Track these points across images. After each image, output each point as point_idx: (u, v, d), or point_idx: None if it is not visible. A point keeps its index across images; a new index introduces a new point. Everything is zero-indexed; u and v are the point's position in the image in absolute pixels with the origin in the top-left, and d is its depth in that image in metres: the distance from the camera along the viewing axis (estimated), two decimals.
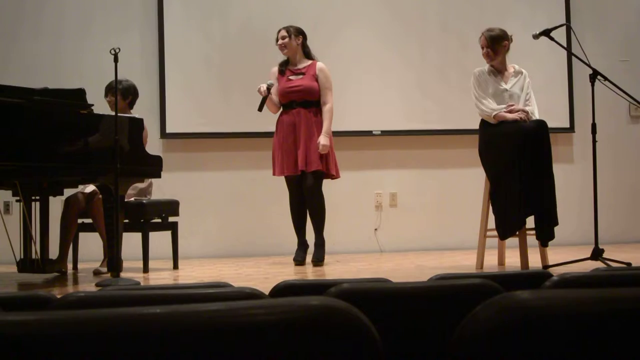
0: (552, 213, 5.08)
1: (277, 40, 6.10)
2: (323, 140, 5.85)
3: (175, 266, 5.91)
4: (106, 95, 5.83)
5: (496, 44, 5.41)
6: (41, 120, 4.79)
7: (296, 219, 6.07)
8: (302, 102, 5.95)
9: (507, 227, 5.13)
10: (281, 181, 6.42)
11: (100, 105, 5.70)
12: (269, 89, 5.94)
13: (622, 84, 5.24)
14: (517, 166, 5.03)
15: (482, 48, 5.46)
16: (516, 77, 5.48)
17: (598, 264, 4.83)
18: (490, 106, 5.32)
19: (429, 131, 7.42)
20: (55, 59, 7.07)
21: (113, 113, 5.15)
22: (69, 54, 7.10)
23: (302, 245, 6.05)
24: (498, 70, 5.47)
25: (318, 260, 5.88)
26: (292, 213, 6.07)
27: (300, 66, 6.07)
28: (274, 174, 6.05)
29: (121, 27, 7.14)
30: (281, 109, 6.08)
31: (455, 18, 7.49)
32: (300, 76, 6.02)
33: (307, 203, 5.98)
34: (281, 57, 6.15)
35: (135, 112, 5.93)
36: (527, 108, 5.33)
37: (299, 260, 5.96)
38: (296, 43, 6.08)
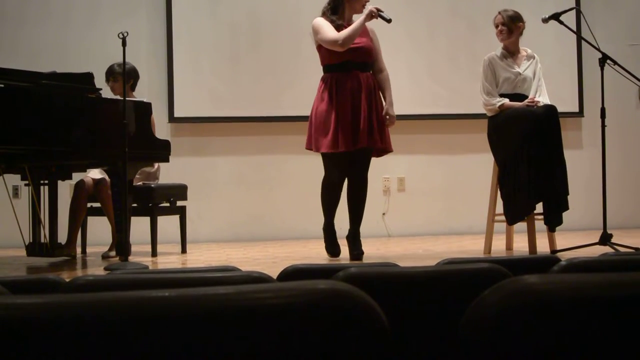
0: (563, 198, 5.07)
1: None
2: (393, 111, 5.13)
3: (184, 250, 5.93)
4: (107, 81, 5.82)
5: (512, 24, 5.40)
6: (49, 104, 4.79)
7: (333, 202, 5.15)
8: (359, 64, 5.04)
9: (516, 212, 5.12)
10: (290, 164, 6.40)
11: (108, 89, 5.71)
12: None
13: (631, 68, 5.22)
14: (527, 151, 5.02)
15: (497, 26, 5.43)
16: (529, 61, 5.45)
17: (606, 249, 4.82)
18: (493, 101, 5.30)
19: (437, 115, 7.40)
20: (62, 43, 7.06)
21: (118, 97, 5.16)
22: (76, 38, 7.10)
23: (335, 233, 5.23)
24: (511, 53, 5.44)
25: (362, 254, 5.15)
26: (331, 195, 5.12)
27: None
28: (318, 150, 5.05)
29: (128, 11, 7.13)
30: (323, 72, 5.15)
31: (465, 2, 7.46)
32: None
33: (355, 186, 5.16)
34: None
35: (143, 96, 5.93)
36: (539, 99, 5.31)
37: (338, 253, 5.21)
38: None
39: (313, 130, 5.06)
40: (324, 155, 5.07)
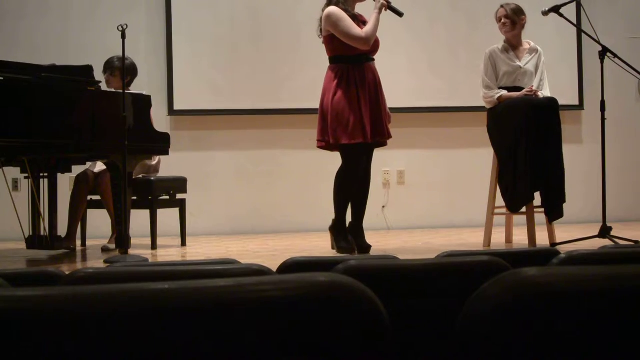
0: (560, 189, 5.07)
1: None
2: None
3: (183, 243, 5.93)
4: (104, 72, 5.79)
5: (515, 16, 5.41)
6: (49, 97, 4.79)
7: (350, 197, 4.99)
8: (371, 58, 4.96)
9: (517, 199, 5.11)
10: (289, 158, 6.38)
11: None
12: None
13: (631, 61, 5.22)
14: (526, 141, 5.01)
15: (500, 19, 5.43)
16: (531, 55, 5.45)
17: (606, 242, 4.82)
18: (492, 93, 5.31)
19: (437, 109, 7.40)
20: (62, 36, 7.05)
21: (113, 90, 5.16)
22: (76, 31, 7.08)
23: (346, 230, 5.05)
24: (512, 46, 5.44)
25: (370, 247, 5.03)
26: (352, 190, 4.96)
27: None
28: (338, 141, 4.82)
29: (128, 4, 7.11)
30: (332, 63, 4.96)
31: None
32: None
33: (362, 180, 5.00)
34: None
35: (141, 90, 5.92)
36: (541, 92, 5.31)
37: (354, 249, 5.00)
38: None
39: (330, 122, 4.82)
40: (346, 147, 4.83)
